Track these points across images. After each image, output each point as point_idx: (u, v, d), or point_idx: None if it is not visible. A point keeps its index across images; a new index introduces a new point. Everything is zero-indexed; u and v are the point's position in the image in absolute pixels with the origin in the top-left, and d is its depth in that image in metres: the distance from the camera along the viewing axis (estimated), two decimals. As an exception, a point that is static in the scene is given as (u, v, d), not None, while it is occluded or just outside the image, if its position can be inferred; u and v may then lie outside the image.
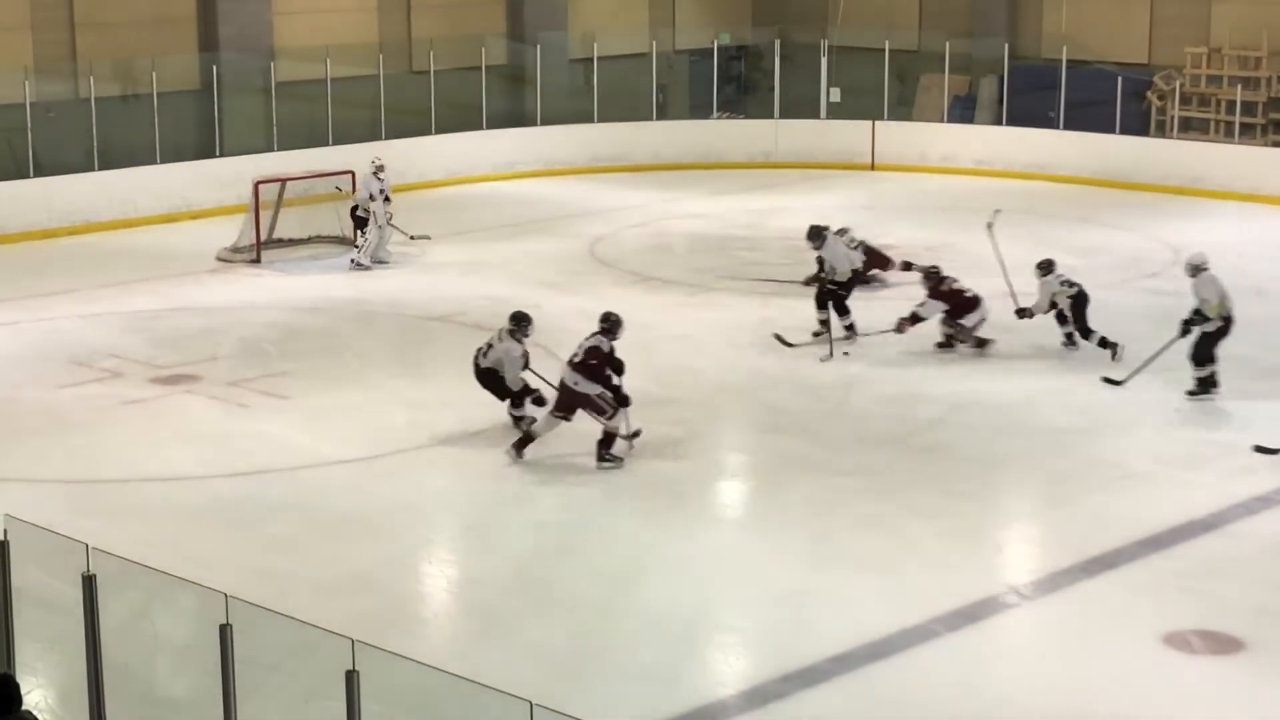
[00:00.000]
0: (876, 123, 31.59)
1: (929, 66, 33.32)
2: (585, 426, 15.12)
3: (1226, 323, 16.80)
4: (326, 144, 28.11)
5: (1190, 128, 31.54)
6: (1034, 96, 31.54)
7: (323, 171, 24.78)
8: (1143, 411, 16.54)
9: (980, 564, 12.92)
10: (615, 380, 15.11)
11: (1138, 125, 31.37)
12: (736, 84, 35.24)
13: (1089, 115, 30.40)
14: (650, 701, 10.63)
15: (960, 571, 12.65)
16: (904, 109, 33.19)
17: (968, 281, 18.90)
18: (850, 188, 29.58)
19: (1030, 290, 18.79)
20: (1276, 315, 20.32)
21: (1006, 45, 32.48)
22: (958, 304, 18.53)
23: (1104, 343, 18.33)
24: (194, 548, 13.03)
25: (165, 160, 26.90)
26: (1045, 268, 18.77)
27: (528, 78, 31.70)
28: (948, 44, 32.18)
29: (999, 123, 32.22)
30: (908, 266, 21.93)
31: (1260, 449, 15.08)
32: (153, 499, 14.35)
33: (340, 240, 24.04)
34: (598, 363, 14.94)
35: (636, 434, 15.23)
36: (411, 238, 24.03)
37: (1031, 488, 14.76)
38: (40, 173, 25.93)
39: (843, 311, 19.10)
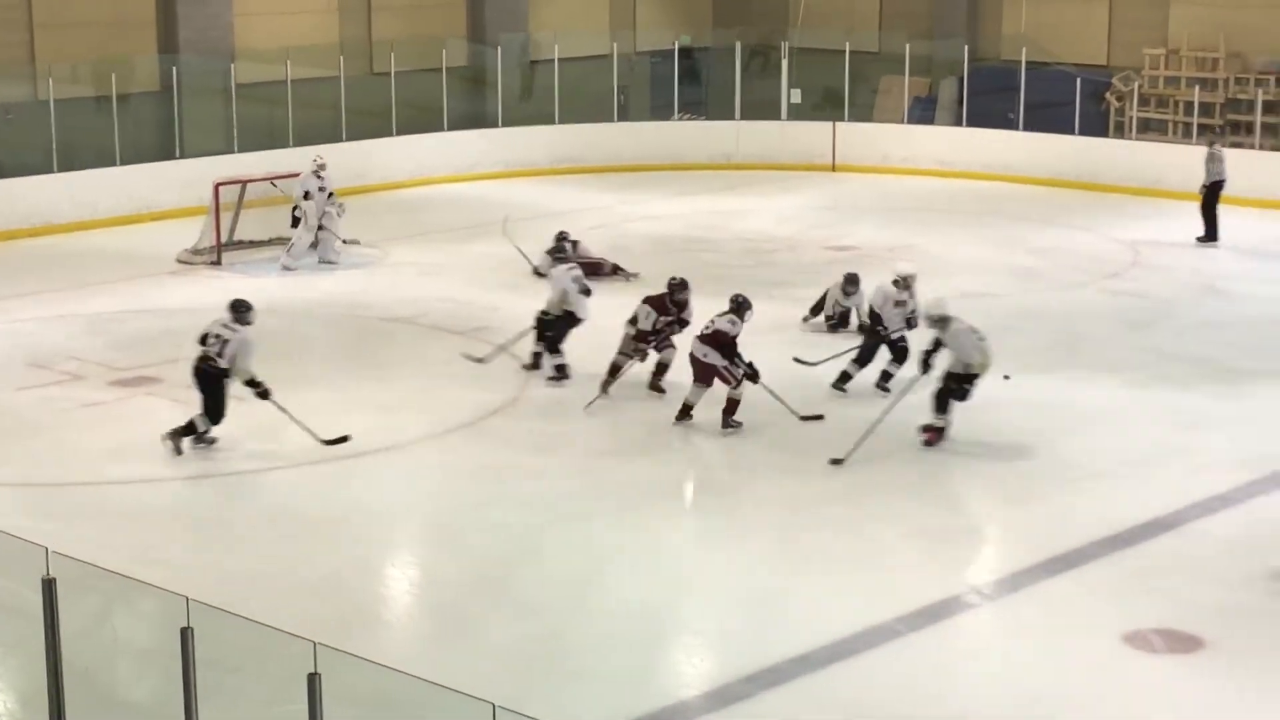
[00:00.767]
0: (837, 124, 31.66)
1: (889, 68, 33.41)
2: (533, 428, 15.12)
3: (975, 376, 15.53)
4: (287, 145, 28.01)
5: (1149, 129, 31.69)
6: (994, 98, 31.63)
7: (283, 173, 24.69)
8: (1104, 412, 16.61)
9: (943, 564, 12.95)
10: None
11: (1097, 126, 31.50)
12: (698, 85, 35.25)
13: (1049, 116, 30.51)
14: (614, 703, 10.63)
15: (923, 572, 12.69)
16: (864, 110, 33.26)
17: (924, 283, 18.93)
18: (812, 189, 29.64)
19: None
20: (1232, 314, 20.44)
21: (966, 47, 32.58)
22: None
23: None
24: (154, 551, 12.97)
25: (126, 162, 26.78)
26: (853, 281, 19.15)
27: (489, 79, 31.66)
28: (908, 46, 32.26)
29: (959, 124, 32.31)
30: (616, 270, 22.07)
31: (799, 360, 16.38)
32: (113, 502, 14.28)
33: (301, 242, 23.96)
34: (727, 342, 15.97)
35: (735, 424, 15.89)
36: (343, 241, 23.77)
37: (994, 488, 14.80)
38: (0, 174, 25.80)
39: (554, 350, 17.90)
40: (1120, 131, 31.94)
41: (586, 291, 17.82)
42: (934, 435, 15.51)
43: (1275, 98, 30.35)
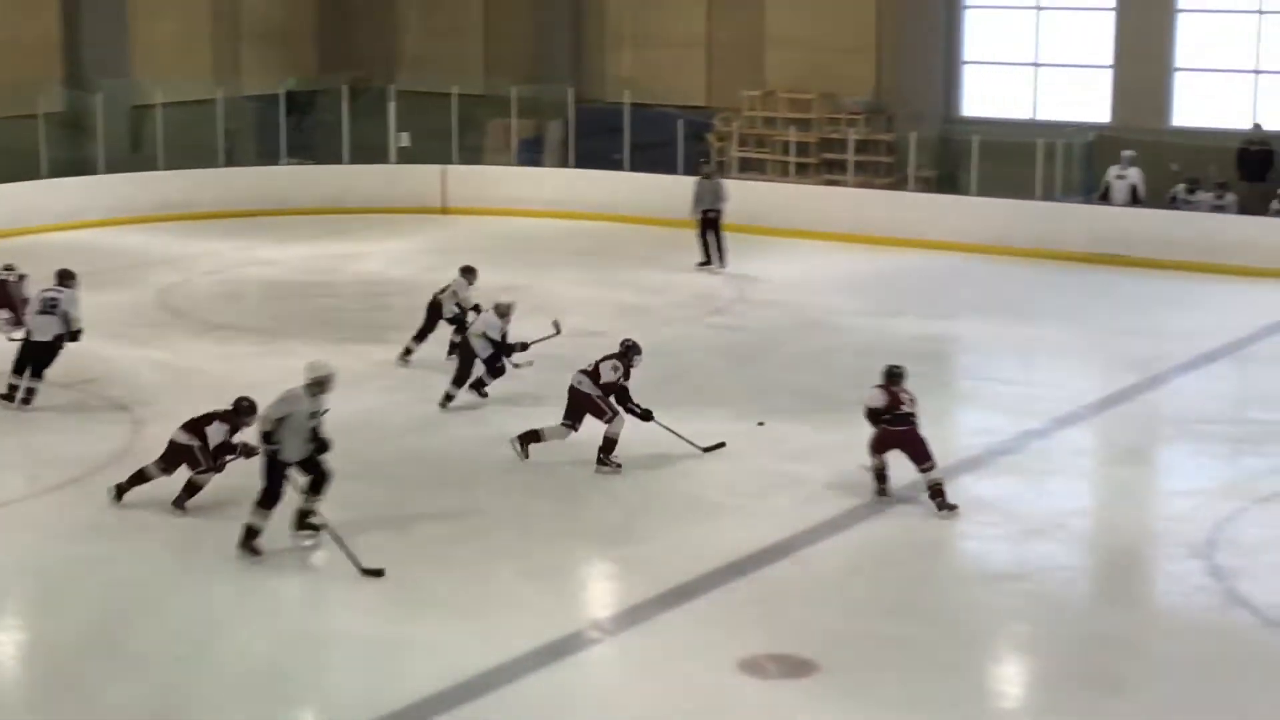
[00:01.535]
0: (447, 167, 31.77)
1: (496, 111, 33.69)
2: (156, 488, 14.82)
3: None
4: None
5: (749, 168, 32.64)
6: (600, 139, 32.17)
7: None
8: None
9: (563, 601, 13.11)
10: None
11: (699, 166, 32.28)
12: (306, 129, 34.96)
13: (653, 157, 31.17)
14: (236, 758, 10.48)
15: (542, 609, 12.81)
16: (473, 152, 33.46)
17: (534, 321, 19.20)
18: (423, 232, 29.68)
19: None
20: (834, 346, 21.17)
21: (571, 89, 33.08)
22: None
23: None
24: None
25: None
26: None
27: (89, 125, 30.86)
28: (514, 89, 32.61)
29: (567, 165, 32.78)
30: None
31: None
32: None
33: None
34: (609, 385, 16.30)
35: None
36: None
37: (609, 522, 15.03)
38: None
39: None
40: (722, 171, 32.80)
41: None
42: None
43: (866, 137, 31.59)
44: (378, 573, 13.39)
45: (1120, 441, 17.82)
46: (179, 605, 13.02)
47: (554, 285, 24.78)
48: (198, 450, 14.78)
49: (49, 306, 18.18)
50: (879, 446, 15.35)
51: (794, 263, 26.67)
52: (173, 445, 14.94)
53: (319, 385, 14.04)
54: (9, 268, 20.34)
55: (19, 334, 18.54)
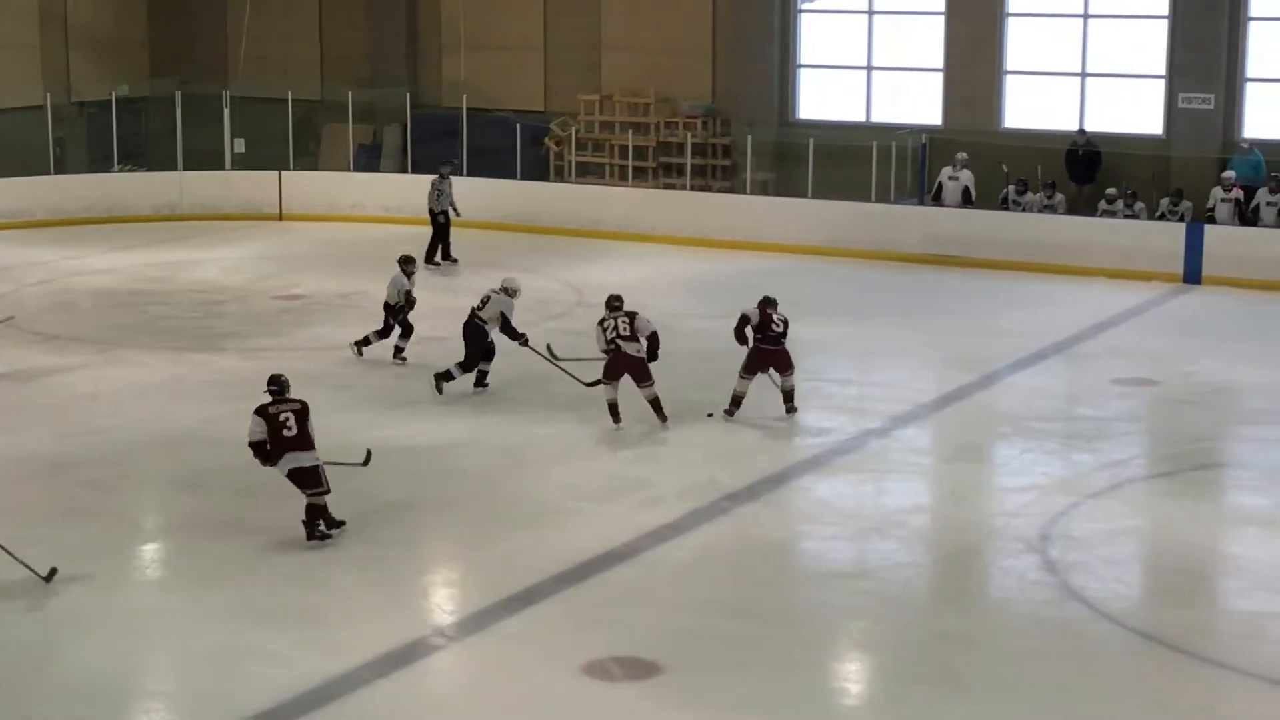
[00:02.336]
0: (283, 173, 31.50)
1: (333, 116, 33.46)
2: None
3: None
4: None
5: (587, 172, 32.72)
6: (438, 144, 32.07)
7: None
8: (557, 450, 17.04)
9: (405, 608, 13.06)
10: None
11: (538, 171, 32.35)
12: (139, 135, 34.49)
13: (491, 162, 31.15)
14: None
15: (387, 618, 12.75)
16: (309, 158, 33.22)
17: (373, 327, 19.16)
18: (259, 239, 29.41)
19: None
20: (677, 349, 21.20)
21: (408, 94, 32.96)
22: None
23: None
24: None
25: None
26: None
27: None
28: (350, 94, 32.41)
29: (405, 170, 32.64)
30: None
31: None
32: None
33: None
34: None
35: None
36: None
37: (454, 530, 15.00)
38: None
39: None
40: (560, 175, 32.88)
41: None
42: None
43: (703, 140, 31.79)
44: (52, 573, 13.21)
45: (956, 439, 18.09)
46: (10, 620, 12.77)
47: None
48: None
49: None
50: (751, 366, 17.74)
51: (632, 266, 26.74)
52: None
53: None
54: None
55: None
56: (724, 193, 31.16)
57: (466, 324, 19.03)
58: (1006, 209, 28.05)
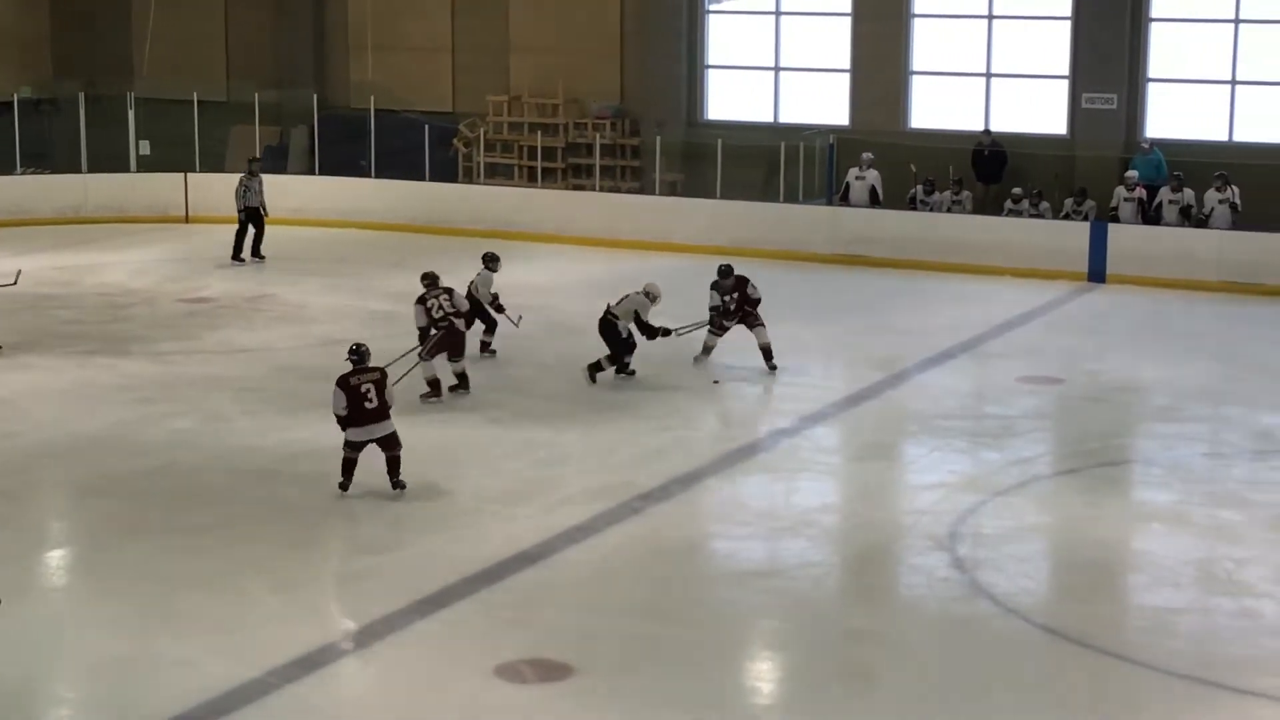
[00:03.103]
0: (189, 175, 31.26)
1: (239, 117, 33.25)
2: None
3: None
4: None
5: (496, 173, 32.68)
6: (346, 146, 31.96)
7: None
8: (466, 452, 17.01)
9: (315, 613, 12.98)
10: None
11: (447, 172, 32.28)
12: (43, 137, 34.11)
13: (399, 163, 31.06)
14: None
15: (295, 622, 12.67)
16: (216, 160, 32.98)
17: (284, 330, 19.04)
18: (166, 241, 29.18)
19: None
20: (583, 350, 21.22)
21: (315, 95, 32.79)
22: None
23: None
24: None
25: None
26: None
27: None
28: (256, 95, 32.21)
29: (312, 172, 32.48)
30: None
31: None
32: None
33: None
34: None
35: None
36: None
37: (363, 533, 14.91)
38: None
39: None
40: (469, 176, 32.83)
41: None
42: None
43: (611, 141, 31.82)
44: None
45: (866, 438, 18.19)
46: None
47: (300, 294, 24.55)
48: None
49: None
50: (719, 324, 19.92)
51: (542, 267, 26.74)
52: None
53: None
54: None
55: None
56: (633, 193, 31.22)
57: (601, 320, 19.59)
58: (914, 209, 28.24)
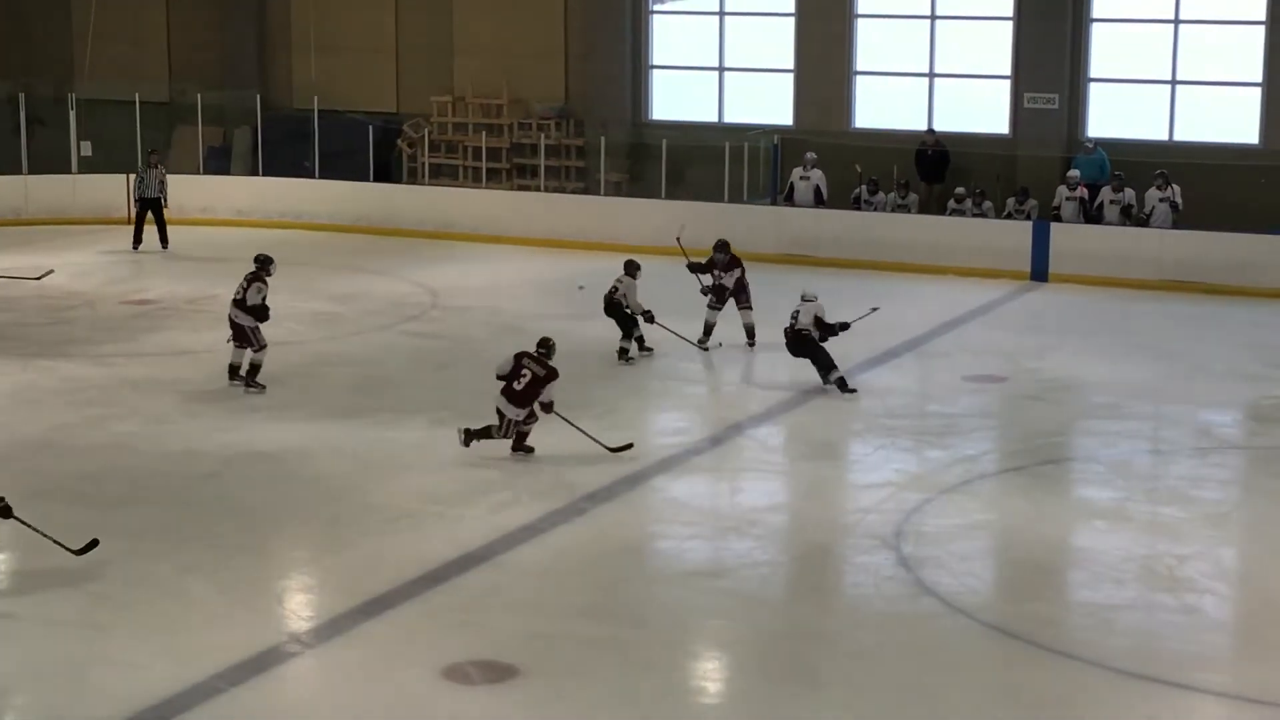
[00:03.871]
0: (131, 176, 31.05)
1: (182, 118, 33.08)
2: None
3: None
4: None
5: (441, 174, 32.63)
6: (289, 146, 31.84)
7: None
8: (411, 454, 16.96)
9: (260, 615, 12.92)
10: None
11: (391, 172, 32.21)
12: None
13: (344, 163, 30.98)
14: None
15: (240, 625, 12.62)
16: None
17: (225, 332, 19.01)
18: (107, 243, 29.01)
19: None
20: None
21: (259, 96, 32.66)
22: None
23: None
24: None
25: None
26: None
27: None
28: (199, 96, 32.06)
29: (256, 173, 32.36)
30: None
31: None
32: None
33: None
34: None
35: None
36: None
37: (307, 536, 14.88)
38: None
39: None
40: (414, 177, 32.76)
41: None
42: None
43: (556, 142, 31.81)
44: (93, 545, 13.53)
45: (811, 437, 18.23)
46: None
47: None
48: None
49: None
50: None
51: (487, 268, 26.73)
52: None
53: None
54: None
55: None
56: (578, 194, 31.21)
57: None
58: (859, 209, 28.33)
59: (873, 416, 18.70)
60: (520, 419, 16.40)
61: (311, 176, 31.20)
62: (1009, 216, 27.54)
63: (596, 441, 16.51)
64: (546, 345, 16.52)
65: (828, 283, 25.60)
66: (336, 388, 19.44)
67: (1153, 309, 24.73)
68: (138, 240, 28.43)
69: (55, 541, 13.45)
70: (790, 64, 31.29)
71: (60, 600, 13.11)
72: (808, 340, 19.36)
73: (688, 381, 20.37)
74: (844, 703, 11.66)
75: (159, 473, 16.28)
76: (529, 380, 16.26)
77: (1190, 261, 25.93)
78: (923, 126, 29.87)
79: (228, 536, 14.51)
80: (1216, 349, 22.25)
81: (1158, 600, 13.45)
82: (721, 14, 31.85)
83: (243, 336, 18.94)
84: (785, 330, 19.56)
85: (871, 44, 31.01)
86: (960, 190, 27.87)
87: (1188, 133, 29.00)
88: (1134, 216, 26.71)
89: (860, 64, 30.99)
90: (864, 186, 28.45)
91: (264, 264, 19.31)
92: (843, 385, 19.16)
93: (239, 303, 18.98)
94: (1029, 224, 26.97)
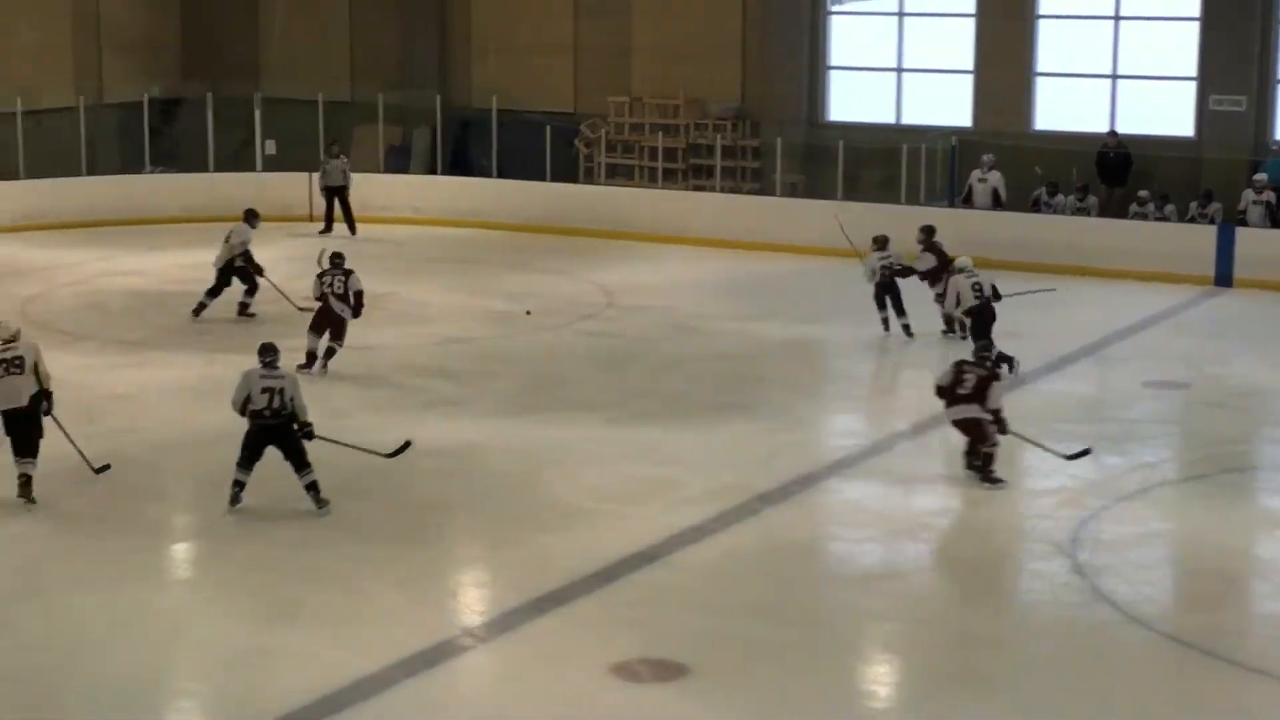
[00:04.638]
0: (313, 174, 31.52)
1: (363, 118, 33.52)
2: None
3: None
4: None
5: (617, 174, 32.73)
6: (468, 146, 32.12)
7: None
8: (583, 452, 17.03)
9: (434, 609, 13.07)
10: None
11: (568, 172, 32.36)
12: (171, 137, 34.55)
13: (521, 163, 31.18)
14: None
15: (414, 618, 12.77)
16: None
17: (405, 329, 19.16)
18: (289, 240, 29.43)
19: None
20: (701, 351, 21.25)
21: (439, 96, 33.00)
22: None
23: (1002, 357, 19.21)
24: None
25: None
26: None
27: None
28: (380, 96, 32.47)
29: (434, 172, 32.70)
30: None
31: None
32: None
33: None
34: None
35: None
36: None
37: (480, 531, 15.01)
38: None
39: None
40: (590, 177, 32.89)
41: None
42: None
43: (732, 142, 31.77)
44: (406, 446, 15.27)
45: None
46: (36, 618, 12.81)
47: (422, 293, 24.71)
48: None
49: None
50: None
51: (662, 268, 26.76)
52: None
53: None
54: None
55: None
56: (753, 194, 31.13)
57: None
58: (1038, 211, 27.98)
59: (1048, 421, 18.36)
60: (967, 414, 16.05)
61: (489, 176, 31.45)
62: (1192, 220, 27.04)
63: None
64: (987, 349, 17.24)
65: (1005, 287, 25.35)
66: (512, 386, 19.57)
67: (1341, 315, 24.16)
68: (328, 227, 29.32)
69: (366, 450, 15.33)
70: (970, 64, 30.98)
71: (238, 592, 13.35)
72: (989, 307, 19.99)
73: (865, 384, 20.25)
74: (1016, 710, 11.53)
75: (329, 465, 16.46)
76: (975, 385, 15.98)
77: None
78: (1103, 128, 29.41)
79: (403, 530, 14.68)
80: (1407, 357, 21.68)
81: (1342, 613, 13.16)
82: (901, 14, 31.61)
83: (339, 328, 19.56)
84: (976, 307, 20.06)
85: (1052, 44, 30.59)
86: (1143, 193, 27.41)
87: (1382, 133, 28.31)
88: (1323, 220, 26.12)
89: (1041, 65, 30.59)
90: (1043, 189, 28.09)
91: (338, 260, 20.01)
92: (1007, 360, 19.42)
93: (341, 296, 19.56)
94: (1213, 228, 26.45)
